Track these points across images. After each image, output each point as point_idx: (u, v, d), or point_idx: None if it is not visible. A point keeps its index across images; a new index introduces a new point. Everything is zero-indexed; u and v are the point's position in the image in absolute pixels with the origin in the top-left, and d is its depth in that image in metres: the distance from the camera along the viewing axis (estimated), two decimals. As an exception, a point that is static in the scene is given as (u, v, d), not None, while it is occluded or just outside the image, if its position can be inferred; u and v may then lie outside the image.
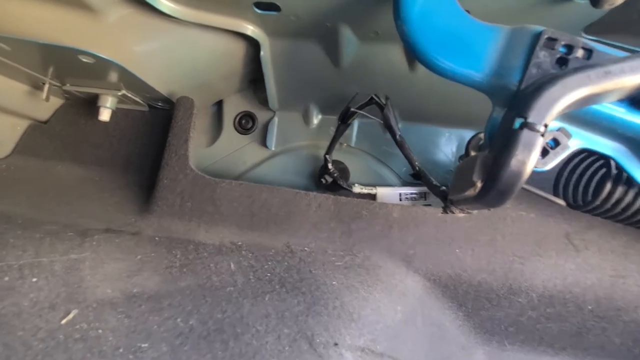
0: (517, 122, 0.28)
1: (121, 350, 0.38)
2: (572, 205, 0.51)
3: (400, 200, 0.68)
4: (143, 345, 0.40)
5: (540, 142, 0.27)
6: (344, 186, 0.68)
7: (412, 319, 0.53)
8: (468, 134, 0.74)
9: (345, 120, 0.60)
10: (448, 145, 0.73)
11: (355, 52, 0.60)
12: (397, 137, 0.56)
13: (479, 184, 0.31)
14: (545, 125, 0.28)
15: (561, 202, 0.50)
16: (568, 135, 0.33)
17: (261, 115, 0.79)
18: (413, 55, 0.39)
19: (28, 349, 0.35)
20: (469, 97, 0.65)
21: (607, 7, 0.40)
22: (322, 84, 0.69)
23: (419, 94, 0.67)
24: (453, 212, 0.41)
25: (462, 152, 0.74)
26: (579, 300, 0.54)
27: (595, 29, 0.49)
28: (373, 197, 0.69)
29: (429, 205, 0.67)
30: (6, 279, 0.39)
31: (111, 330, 0.40)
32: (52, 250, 0.45)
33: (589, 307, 0.54)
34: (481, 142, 0.48)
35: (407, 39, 0.38)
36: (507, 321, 0.58)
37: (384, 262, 0.56)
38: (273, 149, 0.77)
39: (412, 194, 0.69)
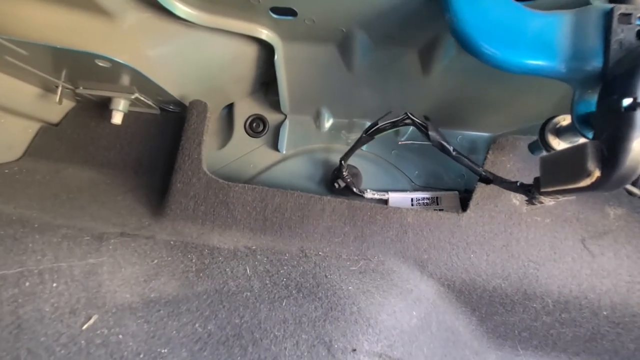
0: (626, 102, 0.27)
1: (142, 355, 0.38)
2: None
3: (412, 205, 0.68)
4: (163, 350, 0.40)
5: None
6: (356, 192, 0.68)
7: (427, 324, 0.53)
8: (479, 137, 0.74)
9: (371, 134, 0.58)
10: (459, 148, 0.73)
11: (369, 56, 0.60)
12: (453, 153, 0.53)
13: (596, 173, 0.29)
14: None
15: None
16: None
17: (272, 119, 0.79)
18: (471, 52, 0.38)
19: (51, 354, 0.35)
20: (481, 101, 0.66)
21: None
22: (334, 88, 0.69)
23: (432, 97, 0.67)
24: (542, 203, 0.40)
25: (474, 154, 0.74)
26: (594, 306, 0.54)
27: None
28: (385, 202, 0.69)
29: (442, 209, 0.67)
30: (27, 284, 0.40)
31: (131, 335, 0.40)
32: (70, 255, 0.45)
33: (604, 313, 0.54)
34: (558, 125, 0.47)
35: (462, 36, 0.38)
36: (520, 326, 0.58)
37: (398, 266, 0.56)
38: (284, 152, 0.77)
39: (424, 199, 0.69)
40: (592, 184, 0.30)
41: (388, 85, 0.66)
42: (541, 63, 0.36)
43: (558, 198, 0.42)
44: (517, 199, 0.57)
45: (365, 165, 0.74)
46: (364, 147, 0.75)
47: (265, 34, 0.59)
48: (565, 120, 0.47)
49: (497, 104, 0.65)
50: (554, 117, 0.48)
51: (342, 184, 0.67)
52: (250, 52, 0.65)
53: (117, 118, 0.69)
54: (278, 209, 0.60)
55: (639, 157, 0.27)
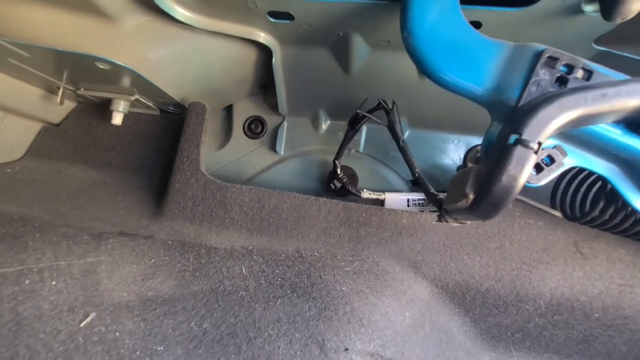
0: (512, 137, 0.29)
1: (138, 353, 0.39)
2: (569, 217, 0.51)
3: (408, 205, 0.69)
4: (159, 348, 0.41)
5: (532, 159, 0.28)
6: (353, 192, 0.68)
7: (420, 324, 0.53)
8: (476, 141, 0.75)
9: (354, 125, 0.60)
10: (456, 152, 0.74)
11: (366, 60, 0.61)
12: (400, 142, 0.57)
13: (471, 196, 0.31)
14: (539, 143, 0.28)
15: (557, 213, 0.51)
16: (563, 153, 0.34)
17: (270, 120, 0.80)
18: (417, 66, 0.40)
19: (49, 351, 0.36)
20: (477, 106, 0.66)
21: (619, 20, 0.40)
22: (331, 90, 0.70)
23: (428, 101, 0.67)
24: (447, 221, 0.41)
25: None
26: (586, 308, 0.54)
27: (606, 39, 0.49)
28: (381, 202, 0.70)
29: (437, 211, 0.67)
30: (27, 282, 0.40)
31: (128, 333, 0.41)
32: (69, 254, 0.46)
33: (596, 315, 0.54)
34: (479, 154, 0.49)
35: (412, 51, 0.39)
36: (513, 328, 0.59)
37: (392, 267, 0.57)
38: (282, 153, 0.78)
39: (420, 199, 0.69)
40: (469, 206, 0.32)
41: (385, 88, 0.67)
42: (468, 85, 0.37)
43: (458, 220, 0.43)
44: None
45: (362, 166, 0.75)
46: (360, 149, 0.76)
47: (263, 37, 0.60)
48: None
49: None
50: (477, 145, 0.50)
51: (338, 185, 0.68)
52: (248, 55, 0.66)
53: (117, 119, 0.70)
54: (274, 210, 0.61)
55: (507, 189, 0.28)
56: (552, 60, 0.33)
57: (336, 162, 0.66)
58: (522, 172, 0.28)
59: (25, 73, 0.65)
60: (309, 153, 0.78)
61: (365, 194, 0.69)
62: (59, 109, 0.80)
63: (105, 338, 0.39)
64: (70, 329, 0.39)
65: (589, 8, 0.44)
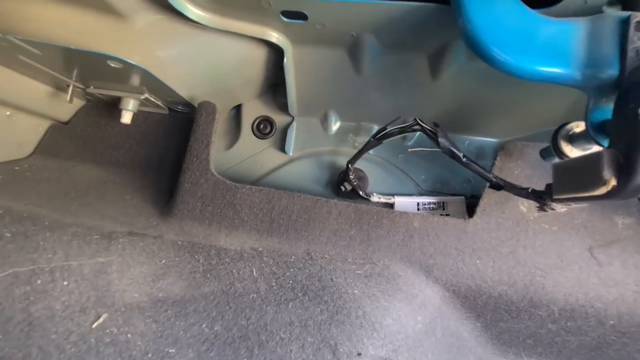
0: None
1: (150, 355, 0.39)
2: None
3: (418, 209, 0.68)
4: (171, 350, 0.40)
5: None
6: (363, 195, 0.68)
7: (432, 329, 0.53)
8: (487, 142, 0.74)
9: (380, 138, 0.58)
10: (466, 154, 0.73)
11: (379, 61, 0.60)
12: (463, 159, 0.53)
13: (612, 182, 0.29)
14: None
15: None
16: None
17: (279, 120, 0.79)
18: (484, 59, 0.38)
19: (61, 352, 0.36)
20: (490, 107, 0.66)
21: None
22: (342, 91, 0.69)
23: (440, 102, 0.67)
24: (553, 209, 0.40)
25: (482, 159, 0.73)
26: (600, 315, 0.53)
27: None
28: (391, 206, 0.69)
29: (448, 215, 0.67)
30: (39, 282, 0.40)
31: (140, 335, 0.40)
32: (80, 253, 0.46)
33: (611, 322, 0.53)
34: (571, 132, 0.47)
35: (482, 49, 0.37)
36: (525, 333, 0.58)
37: (403, 271, 0.56)
38: (291, 154, 0.77)
39: (430, 203, 0.69)
40: (608, 192, 0.30)
41: (397, 90, 0.66)
42: (555, 70, 0.36)
43: (570, 205, 0.42)
44: (525, 206, 0.57)
45: (372, 168, 0.74)
46: (370, 151, 0.76)
47: (275, 37, 0.59)
48: (578, 127, 0.47)
49: (506, 110, 0.65)
50: (566, 123, 0.48)
51: (349, 187, 0.67)
52: (259, 55, 0.65)
53: (126, 118, 0.70)
54: (284, 211, 0.60)
55: None
56: None
57: (350, 165, 0.65)
58: None
59: (35, 70, 0.64)
60: (318, 154, 0.77)
61: (375, 198, 0.69)
62: (68, 107, 0.79)
63: (117, 340, 0.39)
64: (82, 330, 0.39)
65: (611, 9, 0.43)
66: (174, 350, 0.40)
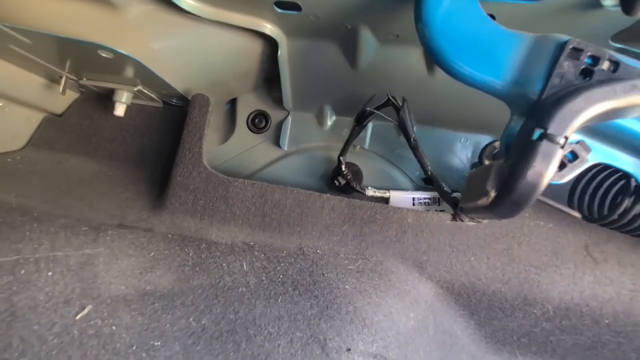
0: (537, 132, 0.28)
1: (134, 348, 0.38)
2: (588, 218, 0.50)
3: (414, 204, 0.67)
4: (156, 343, 0.39)
5: (559, 155, 0.27)
6: (357, 189, 0.67)
7: (424, 326, 0.52)
8: (484, 140, 0.73)
9: (360, 121, 0.59)
10: (463, 151, 0.73)
11: (374, 54, 0.60)
12: (412, 140, 0.55)
13: (492, 194, 0.30)
14: (566, 138, 0.27)
15: (576, 214, 0.49)
16: (587, 149, 0.32)
17: (274, 115, 0.78)
18: (433, 59, 0.39)
19: (43, 343, 0.35)
20: (487, 103, 0.65)
21: (640, 14, 0.39)
22: (338, 85, 0.68)
23: (437, 97, 0.66)
24: (462, 220, 0.40)
25: (476, 157, 0.73)
26: (595, 314, 0.53)
27: (623, 36, 0.47)
28: (386, 200, 0.68)
29: (443, 211, 0.66)
30: (22, 272, 0.39)
31: (125, 327, 0.40)
32: (67, 245, 0.45)
33: (606, 321, 0.53)
34: (496, 150, 0.47)
35: (427, 42, 0.38)
36: (519, 332, 0.57)
37: (396, 267, 0.56)
38: (286, 149, 0.77)
39: (425, 198, 0.68)
40: (490, 204, 0.31)
41: (392, 84, 0.65)
42: (486, 78, 0.35)
43: (474, 218, 0.41)
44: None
45: (367, 163, 0.73)
46: (365, 146, 0.75)
47: (269, 28, 0.58)
48: None
49: (503, 106, 0.64)
50: (493, 141, 0.48)
51: (342, 181, 0.66)
52: (254, 47, 0.64)
53: (119, 110, 0.69)
54: (277, 206, 0.59)
55: (532, 186, 0.27)
56: (577, 52, 0.31)
57: (341, 158, 0.65)
58: (548, 168, 0.27)
59: (27, 61, 0.64)
60: (313, 149, 0.76)
61: (370, 192, 0.68)
62: (61, 99, 0.79)
63: (101, 332, 0.38)
64: (65, 322, 0.38)
65: (609, 2, 0.42)
66: (159, 344, 0.39)
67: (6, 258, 0.39)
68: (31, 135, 0.79)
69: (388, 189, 0.69)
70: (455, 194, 0.49)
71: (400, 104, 0.56)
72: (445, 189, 0.50)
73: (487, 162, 0.48)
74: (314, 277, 0.50)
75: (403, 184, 0.72)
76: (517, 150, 0.30)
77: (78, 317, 0.39)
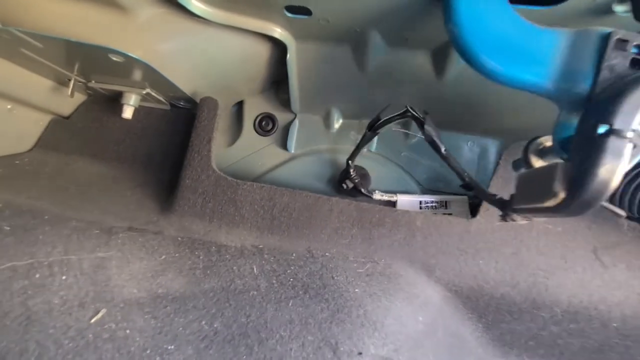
0: (601, 128, 0.27)
1: (148, 351, 0.38)
2: (632, 217, 0.49)
3: (421, 208, 0.68)
4: (169, 347, 0.40)
5: (629, 149, 0.26)
6: (365, 192, 0.67)
7: (433, 329, 0.52)
8: (491, 143, 0.73)
9: (374, 129, 0.58)
10: (470, 154, 0.73)
11: (382, 58, 0.60)
12: (443, 151, 0.53)
13: (562, 195, 0.29)
14: (633, 131, 0.26)
15: (621, 212, 0.48)
16: None
17: (281, 117, 0.79)
18: (469, 62, 0.38)
19: (59, 347, 0.36)
20: (495, 107, 0.65)
21: (651, 20, 0.39)
22: (346, 88, 0.68)
23: (444, 101, 0.66)
24: (514, 220, 0.40)
25: (485, 160, 0.73)
26: (604, 318, 0.53)
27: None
28: (393, 204, 0.68)
29: (450, 214, 0.66)
30: (37, 276, 0.40)
31: (138, 330, 0.40)
32: (80, 248, 0.46)
33: (614, 325, 0.53)
34: (541, 146, 0.46)
35: (462, 46, 0.37)
36: (527, 335, 0.58)
37: (405, 270, 0.56)
38: (292, 151, 0.77)
39: (432, 202, 0.68)
40: (557, 205, 0.30)
41: (400, 87, 0.66)
42: (531, 79, 0.35)
43: (529, 218, 0.41)
44: (529, 206, 0.56)
45: (374, 166, 0.73)
46: (372, 149, 0.75)
47: (278, 32, 0.58)
48: (548, 141, 0.47)
49: (512, 110, 0.64)
50: (537, 137, 0.48)
51: (350, 185, 0.67)
52: (262, 50, 0.64)
53: (127, 113, 0.70)
54: (286, 209, 0.60)
55: (605, 184, 0.27)
56: (623, 43, 0.31)
57: (350, 162, 0.65)
58: (620, 165, 0.26)
59: (37, 64, 0.64)
60: (320, 152, 0.76)
61: (377, 196, 0.68)
62: (69, 101, 0.79)
63: (115, 335, 0.39)
64: (80, 325, 0.38)
65: (620, 8, 0.43)
66: (172, 347, 0.40)
67: (21, 262, 0.40)
68: (39, 138, 0.79)
69: (395, 193, 0.69)
70: (499, 196, 0.48)
71: (421, 115, 0.53)
72: (488, 192, 0.49)
73: (534, 159, 0.47)
74: (324, 281, 0.51)
75: (410, 187, 0.73)
76: (581, 147, 0.29)
77: (93, 320, 0.39)
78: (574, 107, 0.34)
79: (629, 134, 0.26)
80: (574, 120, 0.34)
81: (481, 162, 0.72)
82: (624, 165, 0.27)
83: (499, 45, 0.36)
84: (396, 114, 0.55)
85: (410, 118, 0.54)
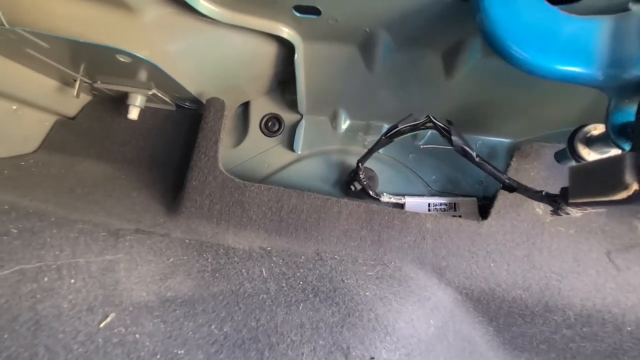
0: None
1: (158, 356, 0.38)
2: None
3: (429, 210, 0.67)
4: (179, 352, 0.39)
5: None
6: (373, 195, 0.66)
7: (444, 333, 0.52)
8: (499, 143, 0.73)
9: (391, 136, 0.57)
10: (479, 154, 0.72)
11: (391, 58, 0.59)
12: (476, 159, 0.51)
13: (635, 186, 0.29)
14: None
15: None
16: None
17: (288, 118, 0.78)
18: (503, 56, 0.37)
19: (69, 352, 0.35)
20: (505, 106, 0.64)
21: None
22: (353, 89, 0.68)
23: (453, 101, 0.65)
24: (568, 214, 0.39)
25: (495, 161, 0.72)
26: (618, 321, 0.52)
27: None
28: (401, 206, 0.68)
29: (459, 216, 0.65)
30: (45, 279, 0.39)
31: (148, 335, 0.39)
32: (87, 251, 0.45)
33: (628, 329, 0.52)
34: (589, 134, 0.45)
35: (501, 45, 0.36)
36: (539, 338, 0.57)
37: (415, 273, 0.55)
38: (299, 152, 0.76)
39: (441, 204, 0.67)
40: (629, 197, 0.29)
41: (409, 88, 0.65)
42: (577, 70, 0.35)
43: (586, 210, 0.41)
44: (541, 208, 0.56)
45: (382, 168, 0.73)
46: (380, 150, 0.74)
47: (286, 32, 0.58)
48: (596, 129, 0.46)
49: (521, 110, 0.63)
50: (584, 125, 0.46)
51: (359, 187, 0.66)
52: (269, 50, 0.64)
53: (133, 113, 0.69)
54: (294, 210, 0.59)
55: None
56: None
57: (360, 164, 0.64)
58: None
59: (42, 64, 0.63)
60: (326, 153, 0.76)
61: (385, 198, 0.67)
62: (74, 102, 0.78)
63: (125, 340, 0.38)
64: (89, 330, 0.38)
65: (636, 7, 0.42)
66: (182, 352, 0.39)
67: (29, 265, 0.39)
68: (44, 138, 0.78)
69: (403, 195, 0.68)
70: (545, 192, 0.46)
71: (446, 126, 0.52)
72: (534, 190, 0.48)
73: (582, 148, 0.46)
74: (334, 284, 0.50)
75: (418, 189, 0.72)
76: None
77: (102, 325, 0.38)
78: (626, 94, 0.34)
79: None
80: (628, 107, 0.33)
81: (491, 163, 0.72)
82: None
83: (536, 38, 0.35)
84: (417, 122, 0.53)
85: (434, 129, 0.52)
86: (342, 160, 0.75)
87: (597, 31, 0.34)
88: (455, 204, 0.66)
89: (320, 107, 0.74)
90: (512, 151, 0.67)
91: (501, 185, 0.56)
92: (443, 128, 0.52)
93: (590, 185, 0.34)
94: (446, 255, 0.55)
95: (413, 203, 0.67)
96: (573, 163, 0.47)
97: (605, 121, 0.37)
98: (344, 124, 0.75)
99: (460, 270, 0.55)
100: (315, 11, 0.51)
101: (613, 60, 0.33)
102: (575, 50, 0.34)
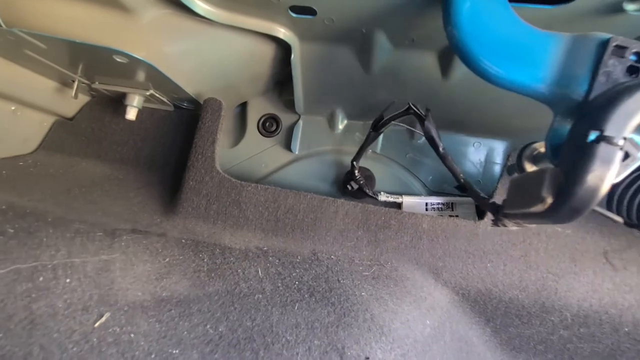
0: (592, 134, 0.27)
1: (153, 356, 0.38)
2: (630, 223, 0.49)
3: (427, 210, 0.67)
4: (174, 351, 0.39)
5: (619, 157, 0.26)
6: (370, 194, 0.67)
7: (440, 333, 0.52)
8: (497, 144, 0.73)
9: (377, 128, 0.58)
10: (476, 155, 0.72)
11: (388, 58, 0.59)
12: (440, 149, 0.53)
13: (549, 200, 0.29)
14: (624, 139, 0.26)
15: (618, 218, 0.48)
16: (638, 147, 0.31)
17: (285, 118, 0.78)
18: (466, 64, 0.38)
19: (63, 351, 0.35)
20: (501, 108, 0.64)
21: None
22: (350, 89, 0.68)
23: (450, 102, 0.65)
24: (505, 226, 0.39)
25: (491, 162, 0.72)
26: (615, 322, 0.52)
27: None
28: (399, 206, 0.68)
29: (456, 216, 0.65)
30: (41, 279, 0.39)
31: (143, 334, 0.40)
32: (83, 251, 0.45)
33: (626, 329, 0.52)
34: (536, 152, 0.46)
35: (460, 48, 0.37)
36: (536, 339, 0.57)
37: (411, 273, 0.55)
38: (297, 152, 0.76)
39: (438, 204, 0.67)
40: (545, 211, 0.30)
41: (405, 88, 0.65)
42: (527, 82, 0.35)
43: (520, 224, 0.41)
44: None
45: (379, 168, 0.73)
46: (377, 150, 0.75)
47: (283, 32, 0.58)
48: (542, 147, 0.46)
49: (518, 111, 0.63)
50: (532, 143, 0.47)
51: (355, 186, 0.66)
52: (266, 51, 0.64)
53: (131, 114, 0.69)
54: (290, 210, 0.59)
55: (593, 191, 0.27)
56: (621, 49, 0.31)
57: (354, 163, 0.64)
58: (609, 172, 0.26)
59: (40, 65, 0.64)
60: (324, 153, 0.76)
61: (382, 197, 0.67)
62: (73, 102, 0.79)
63: (119, 339, 0.38)
64: (84, 329, 0.38)
65: (631, 7, 0.42)
66: (177, 351, 0.39)
67: (25, 265, 0.39)
68: (42, 139, 0.79)
69: (400, 194, 0.68)
70: (492, 200, 0.47)
71: (424, 113, 0.53)
72: (482, 195, 0.49)
73: (528, 164, 0.46)
74: (330, 284, 0.50)
75: (416, 188, 0.72)
76: (571, 153, 0.29)
77: (97, 324, 0.39)
78: (569, 113, 0.34)
79: (620, 142, 0.26)
80: (568, 126, 0.34)
81: (488, 164, 0.72)
82: (613, 173, 0.26)
83: (497, 48, 0.35)
84: (399, 111, 0.55)
85: (413, 115, 0.53)
86: (339, 160, 0.75)
87: (554, 47, 0.34)
88: (452, 203, 0.66)
89: (317, 107, 0.74)
90: (508, 152, 0.68)
91: (497, 186, 0.56)
92: (420, 114, 0.54)
93: (520, 197, 0.34)
94: (443, 256, 0.55)
95: (410, 202, 0.67)
96: None
97: (546, 139, 0.37)
98: (341, 124, 0.76)
99: (457, 271, 0.55)
100: (310, 11, 0.51)
101: (561, 77, 0.33)
102: (528, 62, 0.34)
